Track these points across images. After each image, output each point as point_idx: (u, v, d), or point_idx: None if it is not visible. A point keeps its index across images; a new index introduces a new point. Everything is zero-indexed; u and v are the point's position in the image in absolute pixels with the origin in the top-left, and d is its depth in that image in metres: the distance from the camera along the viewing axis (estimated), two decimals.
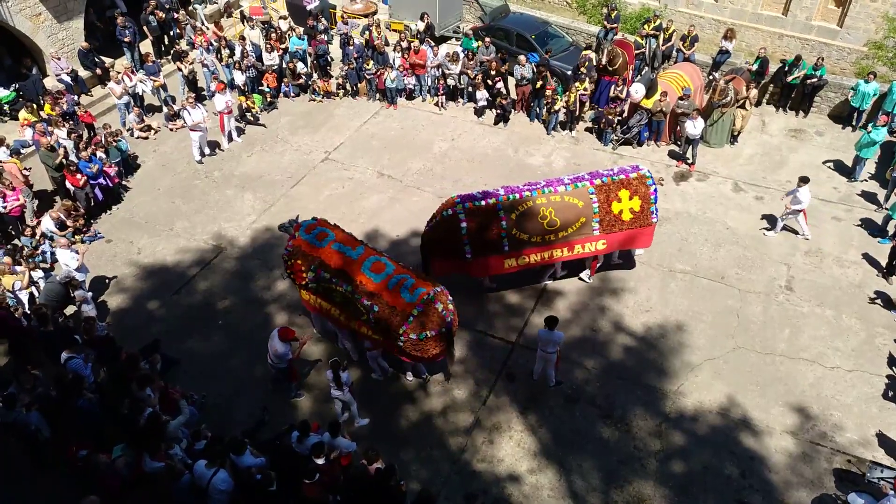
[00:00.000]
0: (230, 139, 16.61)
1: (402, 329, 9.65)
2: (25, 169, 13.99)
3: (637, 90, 15.87)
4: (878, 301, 12.30)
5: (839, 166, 15.84)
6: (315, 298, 10.68)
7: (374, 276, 9.97)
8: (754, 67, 17.17)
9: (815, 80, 16.88)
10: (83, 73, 17.74)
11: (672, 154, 16.35)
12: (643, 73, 17.00)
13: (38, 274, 11.82)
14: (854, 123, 17.05)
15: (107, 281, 12.93)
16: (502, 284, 12.82)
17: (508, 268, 11.90)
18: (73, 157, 13.98)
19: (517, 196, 11.44)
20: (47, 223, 12.91)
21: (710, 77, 17.84)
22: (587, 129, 17.14)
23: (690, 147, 15.70)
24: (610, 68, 16.77)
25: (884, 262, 12.96)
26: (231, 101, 16.26)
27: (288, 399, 10.89)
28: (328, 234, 10.65)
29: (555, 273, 12.78)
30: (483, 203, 11.39)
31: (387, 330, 9.82)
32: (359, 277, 10.01)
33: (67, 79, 16.96)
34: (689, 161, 15.84)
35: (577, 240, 11.83)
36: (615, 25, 19.09)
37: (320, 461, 8.45)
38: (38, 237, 13.05)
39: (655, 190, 11.80)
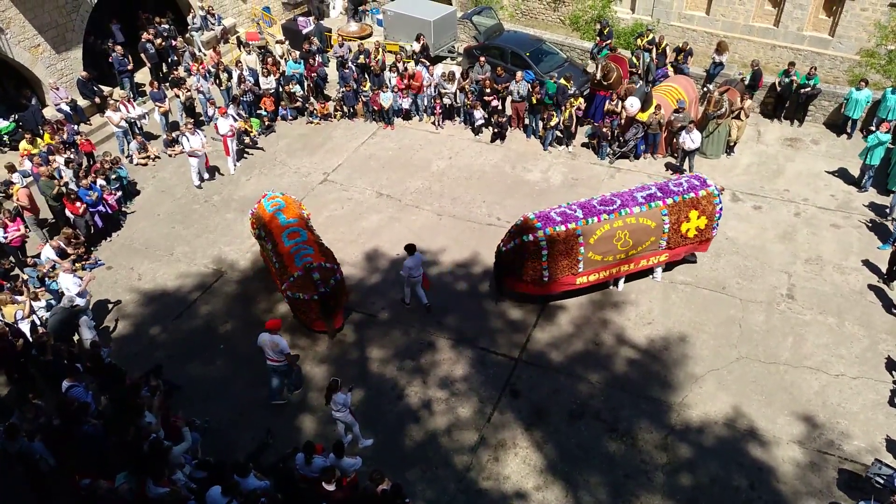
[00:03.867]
0: (234, 164, 16.68)
1: (283, 286, 11.61)
2: None
3: (632, 104, 15.97)
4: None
5: (837, 174, 15.88)
6: (261, 252, 13.11)
7: (286, 241, 11.76)
8: (747, 80, 17.28)
9: (808, 89, 16.99)
10: (82, 103, 17.88)
11: (669, 166, 16.42)
12: (638, 86, 17.12)
13: (39, 303, 11.82)
14: (849, 131, 17.13)
15: (109, 307, 12.95)
16: (502, 299, 12.82)
17: (579, 284, 12.29)
18: (72, 186, 14.07)
19: (596, 220, 11.63)
20: (48, 252, 12.95)
21: (705, 89, 17.97)
22: (583, 144, 17.23)
23: (687, 159, 15.77)
24: (605, 83, 16.90)
25: (884, 268, 12.95)
26: (234, 125, 16.39)
27: (290, 393, 11.11)
28: (279, 203, 12.51)
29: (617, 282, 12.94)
30: (564, 228, 11.53)
31: (281, 285, 11.84)
32: (278, 240, 11.89)
33: (66, 108, 17.09)
34: (686, 173, 15.89)
35: (643, 256, 12.26)
36: (608, 41, 19.26)
37: (330, 487, 8.41)
38: (41, 266, 13.05)
39: (721, 209, 12.19)
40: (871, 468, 9.38)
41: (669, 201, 11.85)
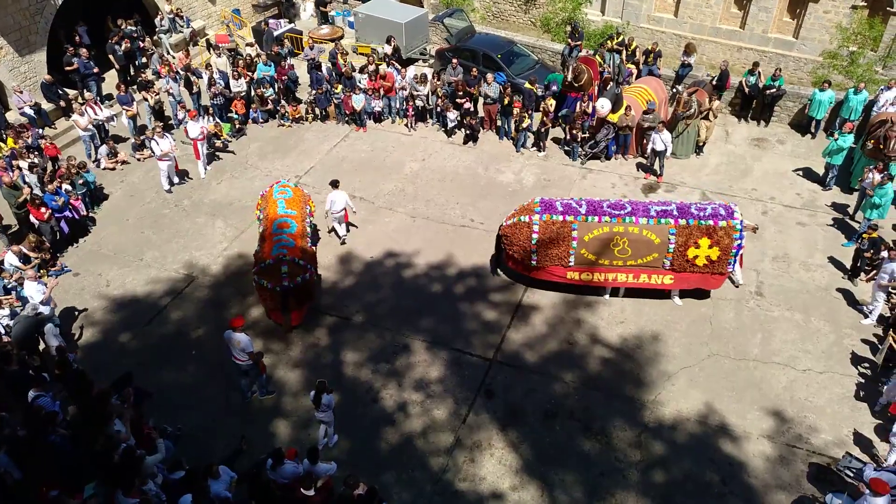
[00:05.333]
0: (205, 167, 16.46)
1: (254, 269, 11.93)
2: None
3: (603, 105, 16.13)
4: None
5: (802, 173, 16.22)
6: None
7: (275, 228, 12.20)
8: (714, 81, 17.56)
9: (773, 90, 17.33)
10: (46, 106, 17.52)
11: (640, 166, 16.61)
12: (608, 87, 17.31)
13: (2, 311, 11.54)
14: (813, 131, 17.50)
15: (76, 314, 12.70)
16: (477, 301, 12.86)
17: (570, 279, 12.45)
18: (37, 191, 13.78)
19: (596, 219, 11.74)
20: (10, 258, 12.63)
21: (674, 90, 18.21)
22: (554, 139, 17.33)
23: (657, 159, 15.96)
24: (576, 84, 17.04)
25: (848, 265, 13.26)
26: (205, 128, 16.18)
27: (262, 398, 11.07)
28: (286, 192, 13.02)
29: (617, 292, 12.85)
30: (561, 218, 11.81)
31: (253, 267, 12.16)
32: (268, 226, 12.36)
33: (30, 112, 16.73)
34: (657, 173, 16.10)
35: (644, 270, 12.10)
36: (579, 43, 19.43)
37: (309, 493, 8.35)
38: (6, 274, 12.74)
39: (740, 245, 11.68)
40: (842, 461, 9.58)
41: (682, 222, 11.57)
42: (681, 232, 11.63)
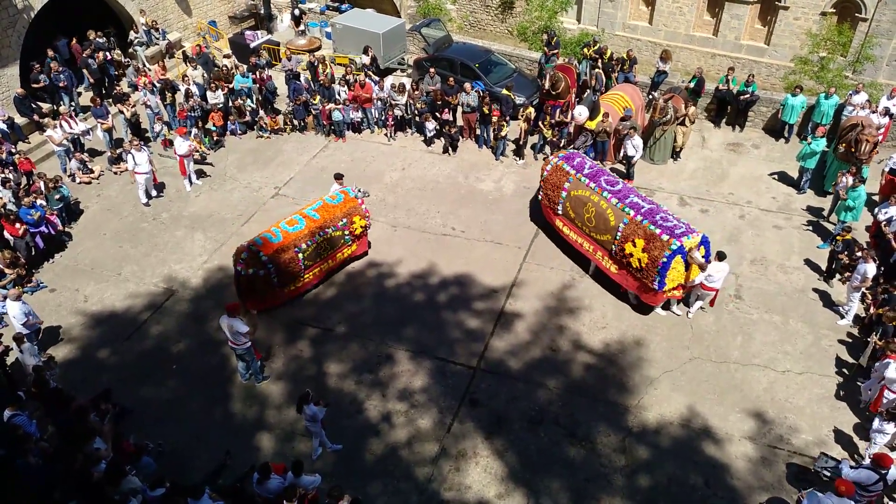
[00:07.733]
0: (191, 181, 16.31)
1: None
2: None
3: (580, 112, 16.27)
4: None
5: (777, 177, 16.48)
6: None
7: (283, 222, 12.62)
8: (691, 86, 17.81)
9: (747, 95, 17.61)
10: (20, 120, 17.28)
11: (617, 172, 16.72)
12: (585, 95, 17.46)
13: None
14: (786, 136, 17.80)
15: (53, 331, 12.48)
16: (459, 309, 12.87)
17: (557, 228, 13.93)
18: (11, 206, 13.57)
19: (586, 182, 12.98)
20: None
21: (650, 97, 18.43)
22: (533, 146, 17.44)
23: (627, 163, 16.09)
24: (553, 92, 17.17)
25: (824, 267, 13.47)
26: (193, 145, 16.04)
27: (257, 383, 11.38)
28: (337, 197, 13.26)
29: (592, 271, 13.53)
30: (567, 168, 13.43)
31: None
32: (286, 217, 12.91)
33: (3, 126, 16.48)
34: (629, 177, 16.20)
35: (600, 247, 12.93)
36: (556, 51, 19.60)
37: None
38: None
39: (665, 265, 11.48)
40: (818, 462, 9.70)
41: (638, 218, 11.96)
42: (630, 225, 12.08)
